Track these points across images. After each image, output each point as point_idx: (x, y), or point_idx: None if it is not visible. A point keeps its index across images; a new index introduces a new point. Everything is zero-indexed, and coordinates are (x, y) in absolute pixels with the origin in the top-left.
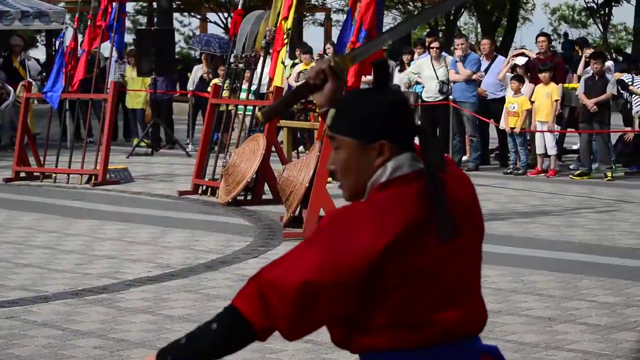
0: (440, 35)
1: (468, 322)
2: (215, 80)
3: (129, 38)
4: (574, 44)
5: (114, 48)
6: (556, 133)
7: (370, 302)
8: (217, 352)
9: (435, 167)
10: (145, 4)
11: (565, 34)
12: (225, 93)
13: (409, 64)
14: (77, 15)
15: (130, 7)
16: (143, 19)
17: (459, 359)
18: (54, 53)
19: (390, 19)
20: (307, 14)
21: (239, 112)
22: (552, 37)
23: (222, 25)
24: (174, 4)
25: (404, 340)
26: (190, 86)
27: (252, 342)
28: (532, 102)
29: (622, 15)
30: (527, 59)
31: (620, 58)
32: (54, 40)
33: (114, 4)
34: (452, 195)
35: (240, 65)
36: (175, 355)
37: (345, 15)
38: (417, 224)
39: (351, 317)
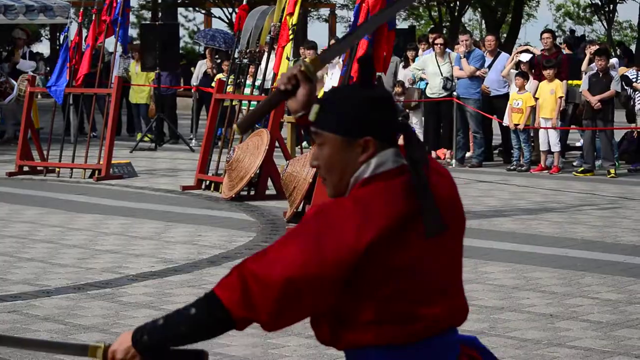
0: (444, 31)
1: (452, 318)
2: (220, 76)
3: (133, 33)
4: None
5: (118, 43)
6: (560, 130)
7: (355, 298)
8: (193, 337)
9: (419, 163)
10: None
11: (571, 31)
12: (229, 88)
13: (413, 60)
14: (81, 10)
15: (134, 1)
16: (147, 14)
17: (440, 353)
18: (58, 47)
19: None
20: (312, 10)
21: (243, 108)
22: (556, 34)
23: (227, 21)
24: None
25: (389, 336)
26: (194, 81)
27: (229, 330)
28: (536, 99)
29: (628, 12)
30: (531, 55)
31: (621, 53)
32: (58, 34)
33: None
34: (436, 191)
35: (245, 61)
36: (151, 336)
37: (351, 11)
38: (401, 220)
39: (337, 314)
